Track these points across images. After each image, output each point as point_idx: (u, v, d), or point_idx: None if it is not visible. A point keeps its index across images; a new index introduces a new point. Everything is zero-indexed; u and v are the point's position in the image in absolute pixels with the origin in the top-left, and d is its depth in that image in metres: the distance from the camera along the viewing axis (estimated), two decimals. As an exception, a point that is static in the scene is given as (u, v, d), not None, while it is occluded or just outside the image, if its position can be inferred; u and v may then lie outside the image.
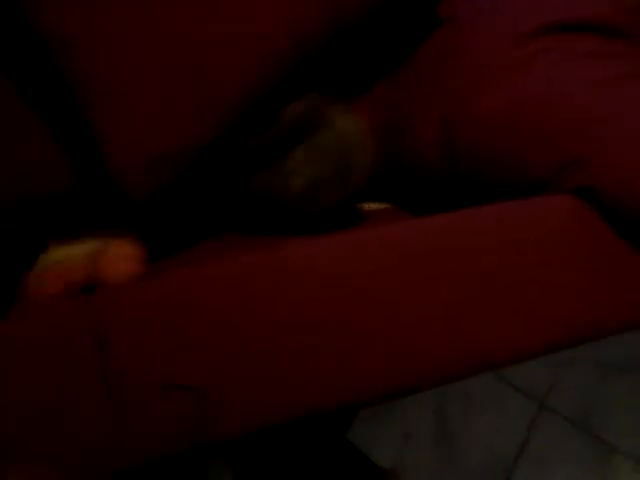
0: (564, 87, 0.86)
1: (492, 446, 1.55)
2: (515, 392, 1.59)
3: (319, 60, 1.08)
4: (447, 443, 1.55)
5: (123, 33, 0.93)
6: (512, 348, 0.81)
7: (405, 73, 1.19)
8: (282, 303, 0.73)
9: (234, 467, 1.17)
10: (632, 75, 0.86)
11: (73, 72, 0.92)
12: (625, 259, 0.79)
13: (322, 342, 0.73)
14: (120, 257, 0.85)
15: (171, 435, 0.70)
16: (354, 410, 1.53)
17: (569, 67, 0.89)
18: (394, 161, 1.16)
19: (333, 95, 1.16)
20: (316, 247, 0.77)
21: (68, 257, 0.87)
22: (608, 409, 1.57)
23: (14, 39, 0.96)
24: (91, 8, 0.92)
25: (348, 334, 0.74)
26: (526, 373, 1.59)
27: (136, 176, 0.93)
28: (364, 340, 0.74)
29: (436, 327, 0.78)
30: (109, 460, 0.69)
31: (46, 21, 0.90)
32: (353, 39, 1.13)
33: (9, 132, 1.00)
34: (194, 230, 1.05)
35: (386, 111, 1.19)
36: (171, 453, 0.70)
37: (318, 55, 1.05)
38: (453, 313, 0.78)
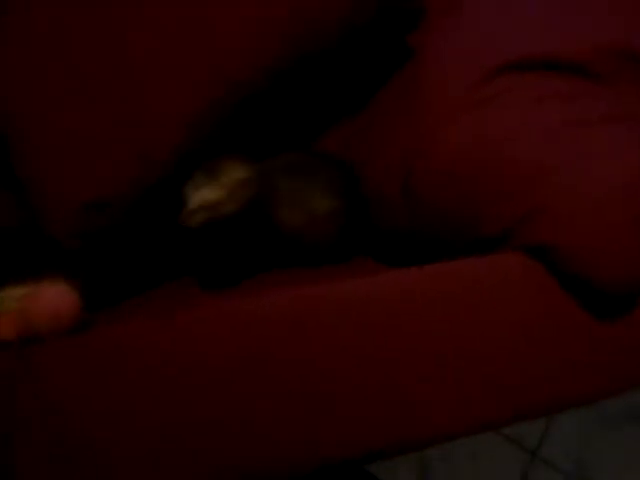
0: (518, 134, 0.80)
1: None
2: (505, 441, 1.50)
3: (277, 98, 1.02)
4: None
5: (55, 84, 0.89)
6: (463, 421, 0.74)
7: (370, 113, 1.12)
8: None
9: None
10: (591, 121, 0.79)
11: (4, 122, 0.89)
12: (579, 326, 0.72)
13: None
14: (51, 308, 0.81)
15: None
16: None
17: (526, 111, 0.82)
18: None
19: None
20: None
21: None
22: (605, 462, 1.47)
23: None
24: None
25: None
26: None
27: (65, 224, 0.88)
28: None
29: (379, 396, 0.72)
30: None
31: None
32: (323, 74, 1.08)
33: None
34: (140, 275, 0.99)
35: (353, 151, 1.12)
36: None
37: (274, 91, 1.00)
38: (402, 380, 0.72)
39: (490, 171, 0.79)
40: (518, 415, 0.74)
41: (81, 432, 0.66)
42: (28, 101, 0.89)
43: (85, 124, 0.87)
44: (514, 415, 0.74)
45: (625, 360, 0.75)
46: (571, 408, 0.77)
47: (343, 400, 0.70)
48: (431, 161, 0.88)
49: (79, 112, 0.88)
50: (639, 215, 0.69)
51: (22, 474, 0.65)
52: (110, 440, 0.66)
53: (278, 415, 0.68)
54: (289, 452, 0.69)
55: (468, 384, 0.72)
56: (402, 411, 0.72)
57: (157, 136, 0.90)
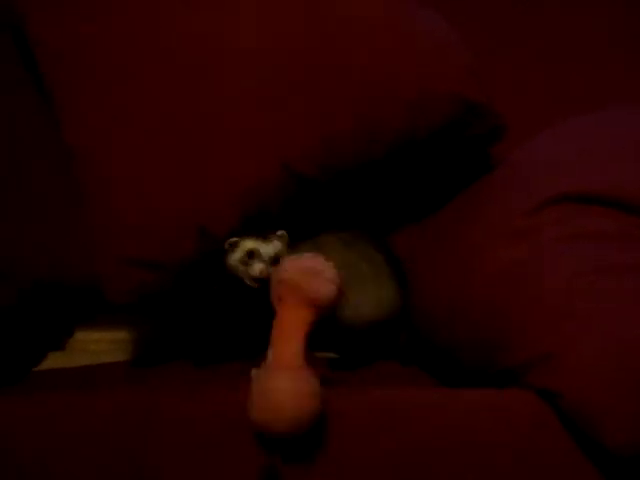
0: (548, 272, 0.80)
1: None
2: None
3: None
4: None
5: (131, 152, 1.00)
6: None
7: (440, 220, 1.13)
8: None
9: None
10: (623, 268, 0.78)
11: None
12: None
13: None
14: None
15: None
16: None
17: (562, 249, 0.82)
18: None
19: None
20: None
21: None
22: None
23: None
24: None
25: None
26: None
27: (112, 277, 0.96)
28: None
29: None
30: None
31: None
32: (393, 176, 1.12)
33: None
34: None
35: (417, 256, 1.13)
36: None
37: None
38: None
39: (510, 308, 0.81)
40: None
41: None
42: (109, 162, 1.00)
43: (155, 188, 0.97)
44: None
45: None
46: None
47: None
48: (470, 286, 0.90)
49: (153, 174, 0.98)
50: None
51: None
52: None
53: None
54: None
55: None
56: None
57: (217, 213, 0.97)
